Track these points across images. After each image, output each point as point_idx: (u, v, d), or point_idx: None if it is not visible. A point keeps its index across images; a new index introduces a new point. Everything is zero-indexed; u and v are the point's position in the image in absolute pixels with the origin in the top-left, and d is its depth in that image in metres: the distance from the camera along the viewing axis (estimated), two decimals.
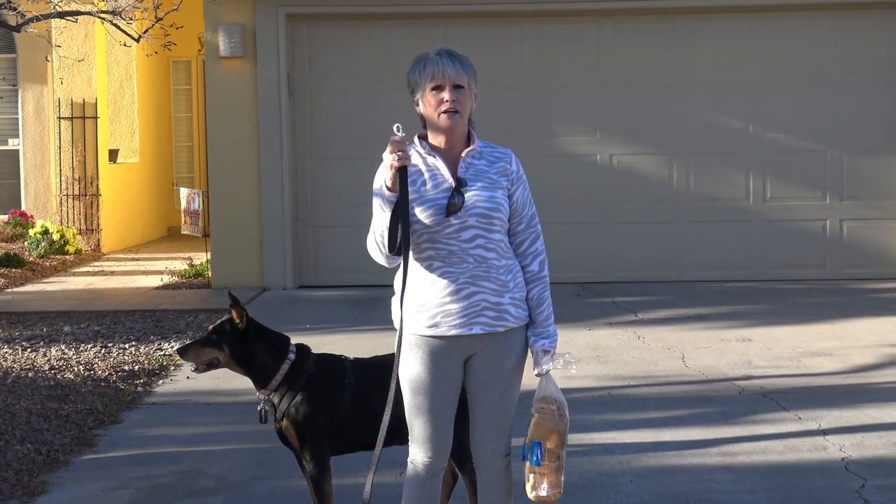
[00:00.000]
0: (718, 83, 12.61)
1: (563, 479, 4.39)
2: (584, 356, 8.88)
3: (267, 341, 5.12)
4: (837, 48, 12.56)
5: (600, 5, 12.49)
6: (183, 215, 14.48)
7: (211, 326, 5.20)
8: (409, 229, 4.27)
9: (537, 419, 4.35)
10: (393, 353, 4.60)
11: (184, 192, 14.52)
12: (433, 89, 4.34)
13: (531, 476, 4.36)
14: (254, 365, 5.08)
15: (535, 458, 4.33)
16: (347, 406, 5.02)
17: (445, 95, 4.32)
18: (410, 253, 4.31)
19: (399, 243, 4.25)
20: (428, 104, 4.36)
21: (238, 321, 5.09)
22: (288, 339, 5.17)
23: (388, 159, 4.19)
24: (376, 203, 4.32)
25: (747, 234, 12.64)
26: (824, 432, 6.88)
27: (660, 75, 12.61)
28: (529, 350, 4.46)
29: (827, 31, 12.57)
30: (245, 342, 5.08)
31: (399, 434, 4.80)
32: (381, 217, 4.28)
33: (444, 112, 4.33)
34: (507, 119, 12.27)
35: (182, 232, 14.75)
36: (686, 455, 6.55)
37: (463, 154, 4.39)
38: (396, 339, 4.38)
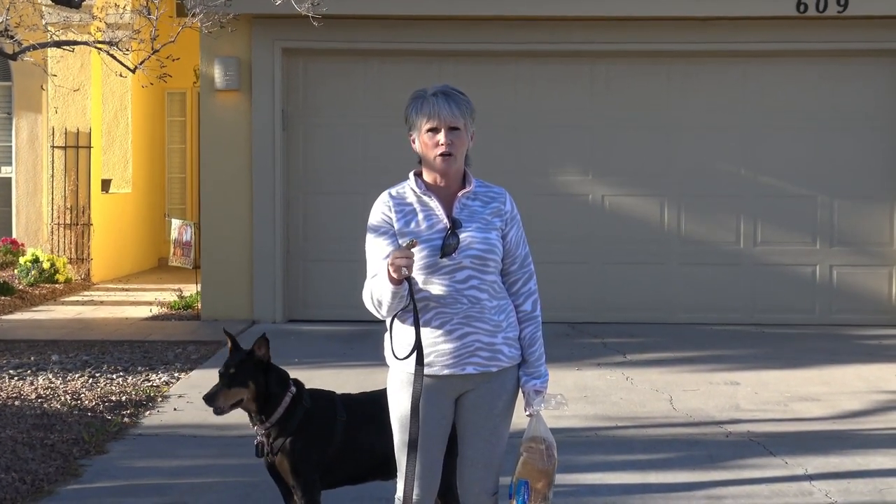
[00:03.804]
0: (711, 126, 12.66)
1: None
2: (572, 396, 8.87)
3: (277, 375, 5.08)
4: (830, 95, 12.64)
5: (595, 47, 12.54)
6: (172, 246, 14.47)
7: (230, 367, 5.04)
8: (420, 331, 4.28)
9: (525, 458, 4.35)
10: (381, 389, 4.62)
11: (175, 223, 14.51)
12: (429, 130, 4.34)
13: None
14: (267, 399, 5.01)
15: (521, 498, 4.32)
16: (339, 441, 5.01)
17: (441, 138, 4.32)
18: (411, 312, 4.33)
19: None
20: (424, 145, 4.37)
21: (260, 354, 5.01)
22: (287, 373, 5.16)
23: (391, 266, 4.15)
24: (374, 258, 4.35)
25: (737, 278, 12.67)
26: (811, 478, 6.88)
27: (653, 117, 12.66)
28: (521, 390, 4.46)
29: (820, 77, 12.65)
30: (267, 377, 5.02)
31: (386, 469, 4.80)
32: (381, 286, 4.24)
33: (440, 155, 4.34)
34: (499, 158, 12.30)
35: (170, 264, 14.74)
36: (672, 498, 6.54)
37: (459, 194, 4.40)
38: (415, 377, 4.35)
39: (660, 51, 12.58)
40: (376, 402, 4.76)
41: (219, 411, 5.03)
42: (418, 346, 4.27)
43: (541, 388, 4.41)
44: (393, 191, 4.46)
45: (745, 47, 12.52)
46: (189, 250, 13.95)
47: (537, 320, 4.49)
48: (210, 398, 5.02)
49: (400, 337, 4.37)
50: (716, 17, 12.28)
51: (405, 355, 4.28)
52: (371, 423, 4.95)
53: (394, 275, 4.14)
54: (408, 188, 4.43)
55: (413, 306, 4.27)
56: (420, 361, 4.27)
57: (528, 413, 4.41)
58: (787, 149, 12.65)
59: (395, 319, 4.38)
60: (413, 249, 4.23)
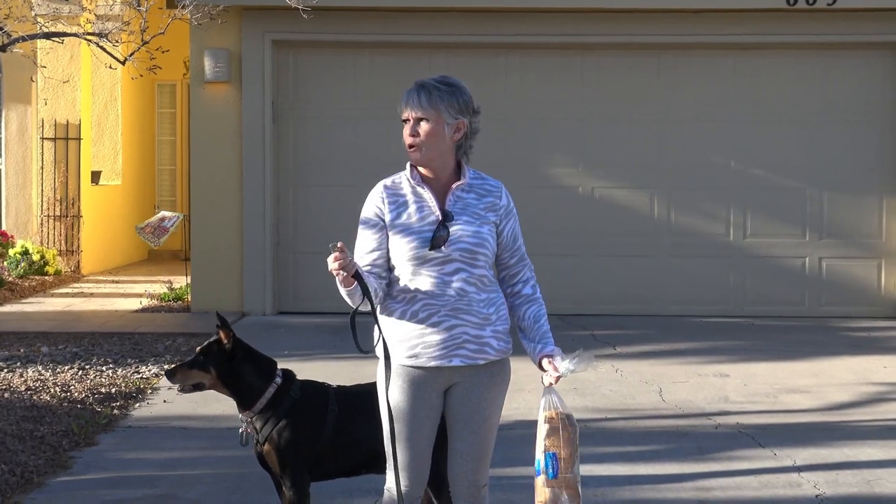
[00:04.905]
0: (701, 119, 12.68)
1: (581, 490, 4.23)
2: (561, 388, 8.81)
3: (254, 364, 5.10)
4: (821, 87, 12.65)
5: (585, 39, 12.55)
6: (146, 225, 14.34)
7: (198, 348, 5.19)
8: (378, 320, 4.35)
9: (549, 430, 4.24)
10: (373, 382, 4.61)
11: (165, 214, 14.49)
12: (403, 121, 4.38)
13: (547, 491, 4.19)
14: (240, 387, 5.06)
15: (550, 471, 4.20)
16: (330, 433, 5.01)
17: (407, 129, 4.36)
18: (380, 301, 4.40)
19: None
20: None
21: (225, 342, 5.08)
22: (275, 363, 5.16)
23: (337, 270, 4.18)
24: (357, 249, 4.43)
25: (727, 270, 12.69)
26: (799, 469, 6.90)
27: (643, 109, 12.67)
28: (537, 361, 4.40)
29: (811, 70, 12.67)
30: (232, 364, 5.07)
31: (376, 462, 4.80)
32: (338, 284, 4.27)
33: (407, 145, 4.37)
34: (490, 150, 12.23)
35: (136, 231, 14.51)
36: (661, 489, 6.55)
37: (453, 186, 4.40)
38: (379, 369, 4.41)
39: (651, 43, 12.59)
40: (371, 394, 4.75)
41: (180, 389, 5.19)
42: (382, 339, 4.34)
43: (558, 354, 4.35)
44: (388, 181, 4.46)
45: (736, 40, 12.53)
46: (162, 234, 13.91)
47: (539, 301, 4.54)
48: (169, 374, 5.18)
49: (385, 329, 4.40)
50: (707, 9, 12.29)
51: (369, 349, 4.35)
52: (365, 415, 4.93)
53: (340, 276, 4.18)
54: (404, 178, 4.43)
55: (370, 304, 4.28)
56: (387, 356, 4.34)
57: (552, 379, 4.32)
58: (777, 141, 12.67)
59: (380, 313, 4.41)
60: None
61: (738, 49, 12.64)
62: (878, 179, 12.63)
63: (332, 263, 4.16)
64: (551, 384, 4.33)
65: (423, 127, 4.33)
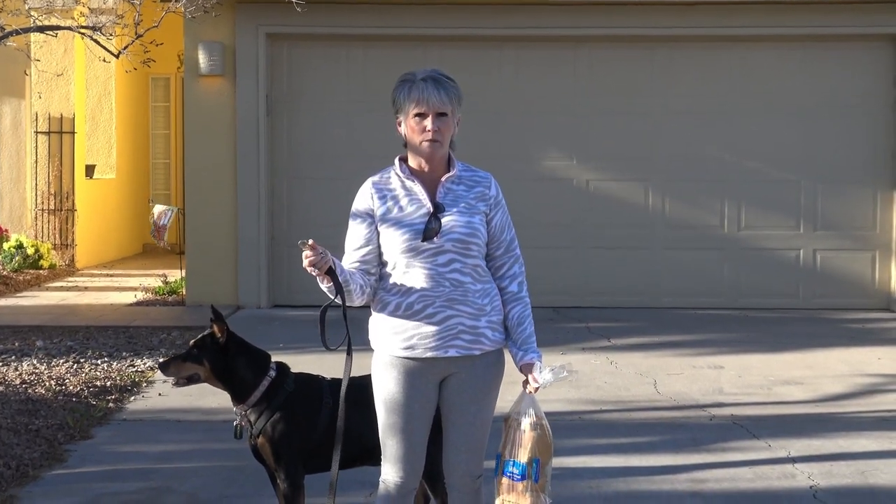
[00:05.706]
0: (696, 111, 12.67)
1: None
2: (557, 380, 8.87)
3: (248, 357, 5.11)
4: (815, 79, 12.65)
5: (579, 31, 12.54)
6: (152, 230, 14.44)
7: (192, 341, 5.20)
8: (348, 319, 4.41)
9: (539, 436, 4.32)
10: (369, 375, 4.62)
11: (158, 208, 14.49)
12: (416, 115, 4.34)
13: (531, 496, 4.31)
14: (234, 380, 5.07)
15: (535, 475, 4.31)
16: (324, 425, 5.01)
17: (428, 124, 4.32)
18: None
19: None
20: (410, 129, 4.37)
21: (219, 335, 5.09)
22: (269, 356, 5.18)
23: (308, 267, 4.26)
24: (346, 246, 4.49)
25: (721, 262, 12.70)
26: (793, 460, 6.92)
27: (637, 102, 12.67)
28: (518, 367, 4.44)
29: (805, 62, 12.66)
30: (226, 357, 5.08)
31: (371, 454, 4.81)
32: (324, 287, 4.38)
33: (427, 141, 4.34)
34: (484, 143, 12.29)
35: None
36: (655, 481, 6.57)
37: (443, 179, 4.41)
38: (345, 364, 4.52)
39: (645, 35, 12.58)
40: (365, 387, 4.76)
41: (175, 382, 5.19)
42: (348, 338, 4.44)
43: (539, 362, 4.40)
44: (376, 177, 4.47)
45: (730, 32, 12.52)
46: (163, 231, 13.92)
47: (524, 300, 4.51)
48: (163, 366, 5.19)
49: (376, 325, 4.46)
50: (701, 1, 12.28)
51: (336, 346, 4.42)
52: (359, 408, 4.93)
53: (315, 272, 4.26)
54: (392, 174, 4.44)
55: (342, 300, 4.34)
56: (349, 353, 4.46)
57: (535, 387, 4.35)
58: (771, 133, 12.67)
59: (374, 306, 4.45)
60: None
61: (732, 41, 12.63)
62: (873, 171, 12.63)
63: (304, 261, 4.18)
64: (531, 392, 4.37)
65: (444, 121, 4.34)
